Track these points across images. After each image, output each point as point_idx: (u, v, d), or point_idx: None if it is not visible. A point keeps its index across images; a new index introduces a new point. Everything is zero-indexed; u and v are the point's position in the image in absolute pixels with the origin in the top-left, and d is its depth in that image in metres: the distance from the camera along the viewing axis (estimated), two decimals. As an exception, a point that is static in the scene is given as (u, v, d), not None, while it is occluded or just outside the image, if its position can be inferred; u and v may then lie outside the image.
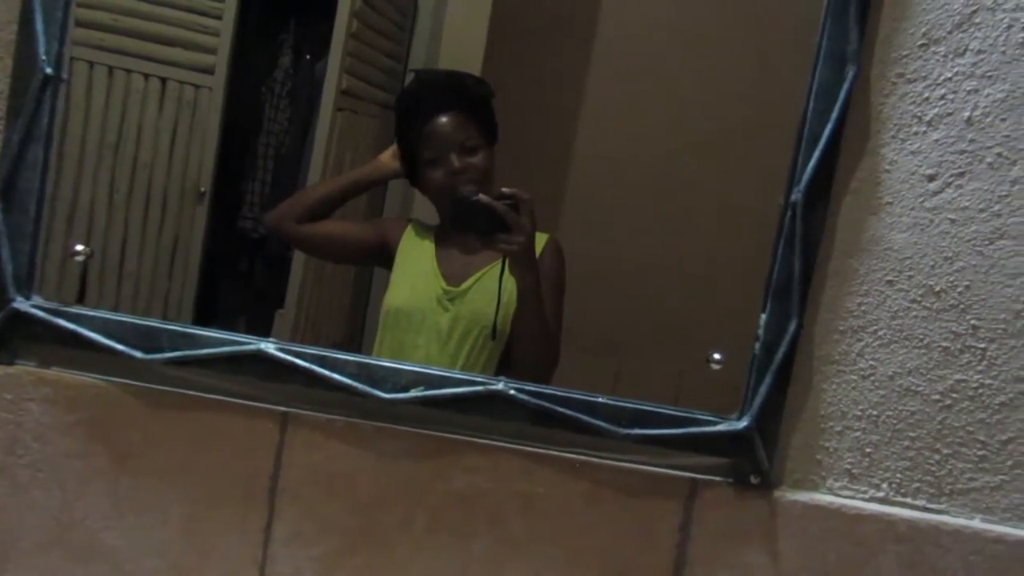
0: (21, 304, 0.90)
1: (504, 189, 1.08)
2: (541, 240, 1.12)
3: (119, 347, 0.90)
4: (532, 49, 1.24)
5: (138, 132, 1.21)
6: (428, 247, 1.20)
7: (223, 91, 1.23)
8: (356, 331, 1.31)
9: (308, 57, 1.32)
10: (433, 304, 1.16)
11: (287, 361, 0.91)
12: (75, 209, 1.17)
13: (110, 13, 1.16)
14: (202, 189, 1.24)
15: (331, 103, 1.26)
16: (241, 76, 1.25)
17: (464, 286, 1.16)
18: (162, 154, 1.22)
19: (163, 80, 1.21)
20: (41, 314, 0.90)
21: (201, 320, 1.25)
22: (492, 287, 1.13)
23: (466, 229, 1.13)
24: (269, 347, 0.91)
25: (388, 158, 1.21)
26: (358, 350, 1.24)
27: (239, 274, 1.35)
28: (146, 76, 1.20)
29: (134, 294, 1.23)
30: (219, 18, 1.22)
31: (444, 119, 1.17)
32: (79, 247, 1.10)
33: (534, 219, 1.08)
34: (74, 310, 0.92)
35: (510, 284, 1.10)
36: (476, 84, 1.17)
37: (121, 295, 1.22)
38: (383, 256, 1.21)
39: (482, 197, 1.08)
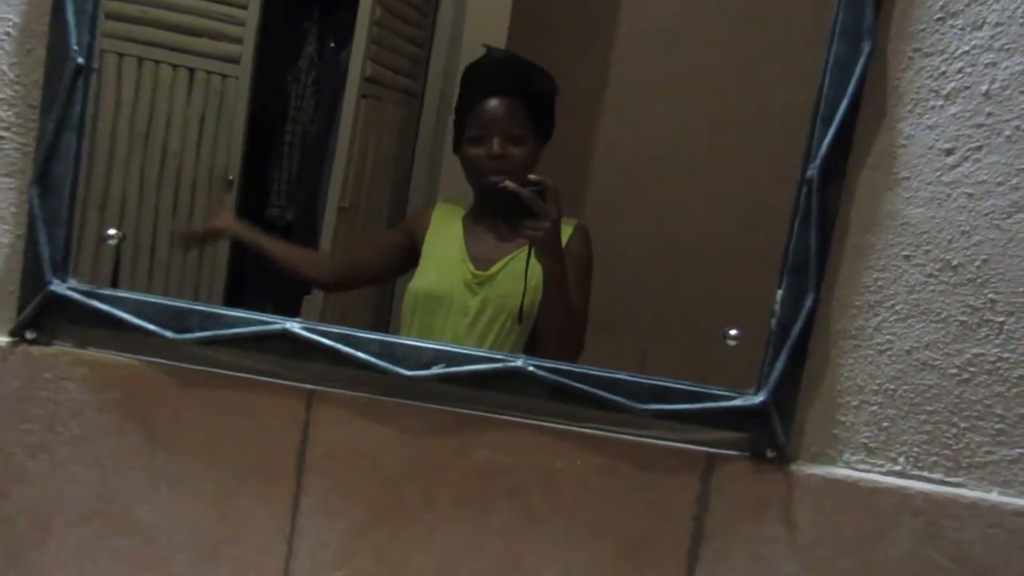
0: (58, 287, 0.93)
1: (531, 176, 1.09)
2: (569, 226, 1.12)
3: (151, 327, 0.93)
4: (555, 36, 1.24)
5: (167, 122, 1.23)
6: (456, 232, 1.21)
7: (249, 80, 1.25)
8: (383, 316, 1.32)
9: (332, 45, 1.33)
10: (461, 288, 1.17)
11: (312, 340, 0.93)
12: (107, 198, 1.19)
13: (138, 5, 1.18)
14: (230, 177, 1.25)
15: (355, 90, 1.26)
16: (267, 65, 1.26)
17: (492, 271, 1.17)
18: (190, 143, 1.24)
19: (191, 70, 1.22)
20: (77, 296, 0.93)
21: (230, 307, 1.27)
22: (520, 272, 1.14)
23: (493, 215, 1.15)
24: (294, 327, 0.93)
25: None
26: (386, 330, 1.26)
27: (267, 261, 1.37)
28: (174, 66, 1.22)
29: (165, 280, 1.25)
30: (244, 8, 1.23)
31: (498, 102, 1.18)
32: (111, 231, 1.13)
33: (560, 206, 1.08)
34: (108, 292, 0.94)
35: (537, 269, 1.11)
36: (541, 77, 1.16)
37: (153, 281, 1.24)
38: (416, 253, 1.22)
39: (508, 184, 1.09)
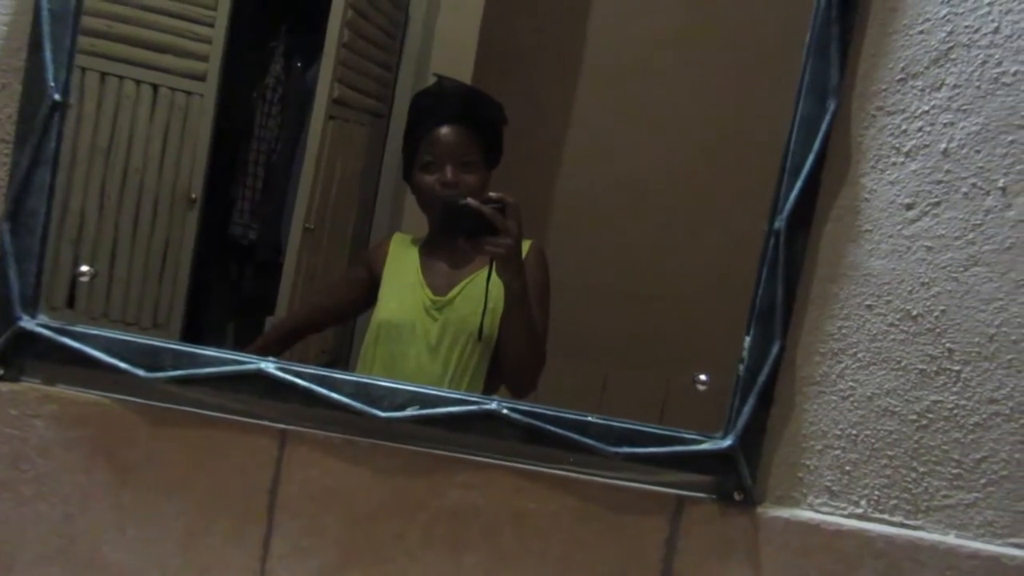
0: (27, 323, 0.92)
1: (491, 193, 1.11)
2: (524, 246, 1.13)
3: (123, 365, 0.92)
4: (522, 60, 1.26)
5: (129, 138, 1.21)
6: (413, 260, 1.22)
7: (215, 98, 1.24)
8: (346, 338, 1.32)
9: (299, 64, 1.33)
10: (421, 315, 1.18)
11: (287, 380, 0.93)
12: (65, 215, 1.17)
13: (103, 19, 1.16)
14: (193, 195, 1.24)
15: (322, 112, 1.26)
16: (232, 83, 1.25)
17: (451, 295, 1.18)
18: (153, 160, 1.22)
19: (155, 86, 1.21)
20: (47, 333, 0.92)
21: (190, 326, 1.26)
22: (478, 294, 1.15)
23: (454, 233, 1.15)
24: (269, 367, 0.93)
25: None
26: (348, 357, 1.26)
27: (229, 280, 1.36)
28: (138, 82, 1.20)
29: (124, 300, 1.23)
30: (211, 25, 1.22)
31: (450, 129, 1.19)
32: (84, 268, 1.11)
33: (520, 223, 1.10)
34: (79, 329, 0.93)
35: (497, 288, 1.12)
36: (491, 106, 1.18)
37: (111, 301, 1.22)
38: (377, 287, 1.22)
39: (470, 201, 1.10)
